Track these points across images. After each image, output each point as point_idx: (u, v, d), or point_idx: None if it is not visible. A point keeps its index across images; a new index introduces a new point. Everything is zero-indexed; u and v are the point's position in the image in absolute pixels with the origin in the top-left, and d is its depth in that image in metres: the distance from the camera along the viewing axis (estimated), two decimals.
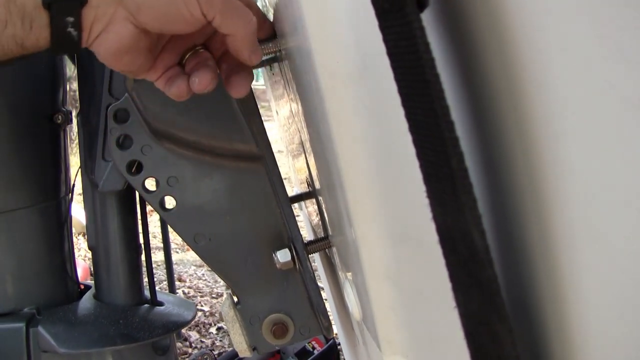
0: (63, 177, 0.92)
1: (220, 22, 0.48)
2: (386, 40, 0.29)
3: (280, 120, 1.07)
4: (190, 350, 2.15)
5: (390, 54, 0.29)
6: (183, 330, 2.13)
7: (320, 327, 0.74)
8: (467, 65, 0.31)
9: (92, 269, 0.92)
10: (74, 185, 0.96)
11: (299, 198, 0.81)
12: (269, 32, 0.58)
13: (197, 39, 0.53)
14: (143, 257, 0.90)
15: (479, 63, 0.29)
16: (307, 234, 1.19)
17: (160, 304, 0.89)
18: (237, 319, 0.72)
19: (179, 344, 2.13)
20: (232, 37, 0.49)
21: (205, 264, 0.82)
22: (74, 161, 0.94)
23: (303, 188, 0.94)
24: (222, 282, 2.54)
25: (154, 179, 0.69)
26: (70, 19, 0.43)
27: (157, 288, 0.91)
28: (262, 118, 0.71)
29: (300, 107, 0.59)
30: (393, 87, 0.29)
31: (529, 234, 0.29)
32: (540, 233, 0.28)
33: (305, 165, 0.74)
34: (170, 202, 0.69)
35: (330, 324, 0.75)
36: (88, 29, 0.45)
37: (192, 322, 1.40)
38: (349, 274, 0.55)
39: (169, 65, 0.52)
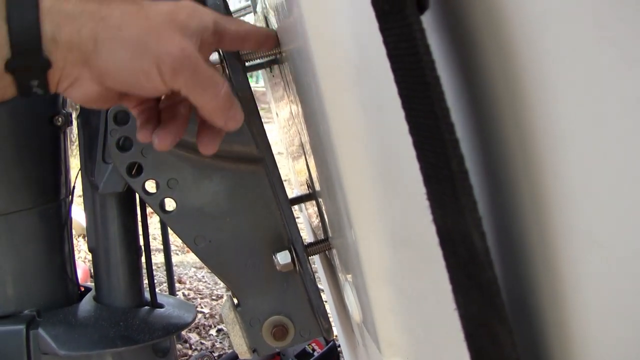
0: (63, 179, 0.92)
1: (187, 94, 0.46)
2: (386, 42, 0.29)
3: (280, 122, 1.07)
4: (190, 352, 2.15)
5: (391, 55, 0.29)
6: (183, 332, 2.13)
7: (320, 329, 0.74)
8: (467, 67, 0.31)
9: (92, 271, 0.92)
10: (74, 187, 0.96)
11: (299, 200, 0.81)
12: (273, 45, 0.57)
13: None
14: (143, 259, 0.90)
15: (479, 65, 0.30)
16: (307, 236, 1.19)
17: (161, 306, 0.89)
18: (237, 321, 0.72)
19: (179, 346, 2.13)
20: (201, 108, 0.48)
21: (205, 266, 0.82)
22: (74, 163, 0.94)
23: (303, 190, 0.94)
24: (222, 284, 2.53)
25: (154, 181, 0.69)
26: (35, 82, 0.43)
27: (157, 290, 0.91)
28: (262, 120, 0.71)
29: (300, 109, 0.59)
30: (393, 89, 0.29)
31: (529, 236, 0.29)
32: (540, 235, 0.28)
33: (306, 167, 0.74)
34: (170, 204, 0.69)
35: (330, 326, 0.75)
36: (54, 86, 0.45)
37: (192, 324, 1.40)
38: (349, 276, 0.55)
39: (143, 100, 0.51)
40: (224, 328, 2.13)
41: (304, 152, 0.71)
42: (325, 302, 0.81)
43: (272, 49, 0.57)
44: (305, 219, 1.12)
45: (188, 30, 0.46)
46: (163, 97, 0.52)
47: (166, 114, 0.51)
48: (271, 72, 0.87)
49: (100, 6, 0.44)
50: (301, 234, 0.71)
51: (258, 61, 0.72)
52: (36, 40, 0.41)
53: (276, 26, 0.63)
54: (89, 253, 0.89)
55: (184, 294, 2.59)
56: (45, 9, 0.42)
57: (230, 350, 2.00)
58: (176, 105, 0.52)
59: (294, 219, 0.70)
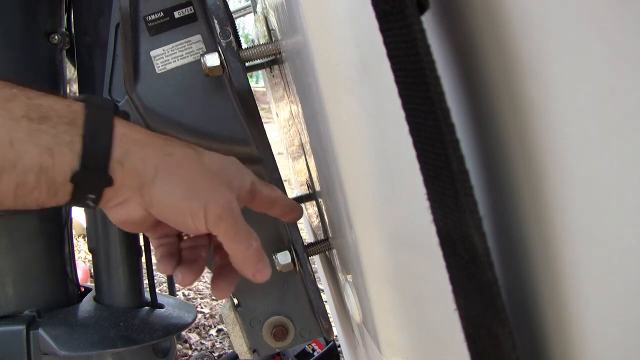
0: None
1: (224, 241, 0.50)
2: (386, 43, 0.29)
3: (281, 122, 1.07)
4: (190, 352, 2.15)
5: (391, 56, 0.29)
6: (183, 333, 2.13)
7: (320, 330, 0.74)
8: (468, 67, 0.31)
9: (92, 271, 0.92)
10: None
11: (299, 200, 0.81)
12: (297, 217, 0.61)
13: None
14: (143, 259, 0.90)
15: (480, 65, 0.29)
16: (307, 236, 1.19)
17: (161, 306, 0.89)
18: (237, 322, 0.72)
19: (179, 346, 2.13)
20: (233, 256, 0.51)
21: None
22: None
23: (303, 190, 0.94)
24: None
25: None
26: (92, 196, 0.46)
27: (157, 290, 0.91)
28: (262, 120, 0.71)
29: (300, 109, 0.59)
30: (393, 89, 0.29)
31: (529, 237, 0.29)
32: (541, 235, 0.27)
33: (306, 167, 0.74)
34: None
35: (330, 326, 0.75)
36: (105, 202, 0.47)
37: (192, 324, 1.40)
38: (349, 276, 0.55)
39: (167, 233, 0.55)
40: (224, 328, 2.13)
41: (304, 152, 0.71)
42: (325, 302, 0.81)
43: (295, 220, 0.61)
44: (305, 219, 1.12)
45: (232, 185, 0.51)
46: (185, 237, 0.57)
47: (188, 254, 0.55)
48: (271, 72, 0.87)
49: (165, 142, 0.49)
50: (301, 234, 0.71)
51: (258, 61, 0.72)
52: (105, 159, 0.45)
53: (276, 26, 0.63)
54: (89, 253, 0.89)
55: (184, 294, 2.59)
56: (119, 133, 0.46)
57: (230, 351, 2.00)
58: (198, 248, 0.55)
59: None
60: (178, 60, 0.65)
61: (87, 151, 0.44)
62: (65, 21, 0.85)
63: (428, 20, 0.28)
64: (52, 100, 0.44)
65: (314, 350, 1.59)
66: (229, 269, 0.54)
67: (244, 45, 0.70)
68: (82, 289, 0.94)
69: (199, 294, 2.61)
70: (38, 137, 0.42)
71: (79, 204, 0.46)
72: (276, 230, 0.70)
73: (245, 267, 0.52)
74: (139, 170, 0.46)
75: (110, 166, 0.45)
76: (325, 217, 0.66)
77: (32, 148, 0.42)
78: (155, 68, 0.65)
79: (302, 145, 0.71)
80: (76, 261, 0.95)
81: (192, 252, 0.55)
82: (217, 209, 0.48)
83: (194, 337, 2.24)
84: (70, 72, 0.96)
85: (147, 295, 0.90)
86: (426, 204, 0.29)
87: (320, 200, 0.68)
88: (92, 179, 0.45)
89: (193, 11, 0.65)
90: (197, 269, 0.54)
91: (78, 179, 0.44)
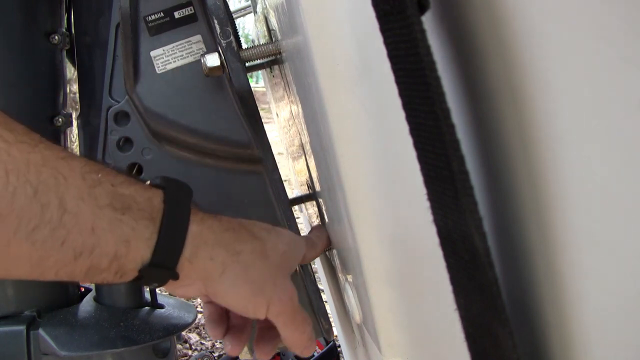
0: None
1: (279, 328, 0.53)
2: (387, 43, 0.29)
3: (281, 122, 1.07)
4: (190, 352, 2.15)
5: (391, 56, 0.29)
6: (183, 333, 2.13)
7: (320, 330, 0.74)
8: (469, 68, 0.31)
9: None
10: None
11: (299, 200, 0.81)
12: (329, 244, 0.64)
13: None
14: None
15: (480, 65, 0.29)
16: None
17: (161, 306, 0.89)
18: None
19: (179, 346, 2.13)
20: (285, 339, 0.54)
21: None
22: None
23: (303, 190, 0.94)
24: None
25: None
26: (156, 284, 0.48)
27: (157, 290, 0.91)
28: (262, 120, 0.71)
29: (300, 109, 0.59)
30: (394, 89, 0.29)
31: (530, 237, 0.29)
32: (541, 235, 0.27)
33: (306, 167, 0.74)
34: None
35: (330, 326, 0.75)
36: (166, 286, 0.49)
37: (193, 324, 1.40)
38: (349, 277, 0.55)
39: None
40: None
41: (304, 152, 0.71)
42: (325, 302, 0.81)
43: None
44: (305, 219, 1.12)
45: (292, 269, 0.54)
46: None
47: (236, 319, 0.58)
48: (271, 72, 0.87)
49: (235, 238, 0.50)
50: (301, 235, 0.71)
51: (258, 61, 0.72)
52: (175, 259, 0.47)
53: (276, 26, 0.63)
54: None
55: None
56: (192, 232, 0.47)
57: None
58: None
59: (294, 219, 0.70)
60: (178, 60, 0.65)
61: (159, 249, 0.46)
62: (65, 21, 0.85)
63: (428, 21, 0.28)
64: (134, 190, 0.46)
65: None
66: (273, 333, 0.56)
67: (244, 46, 0.70)
68: (82, 289, 0.94)
69: None
70: (119, 227, 0.44)
71: (142, 286, 0.48)
72: None
73: (293, 348, 0.55)
74: (206, 268, 0.48)
75: (179, 264, 0.47)
76: (326, 217, 0.66)
77: (111, 237, 0.43)
78: (156, 68, 0.65)
79: (302, 145, 0.71)
80: None
81: (240, 317, 0.57)
82: (279, 305, 0.51)
83: (194, 337, 2.24)
84: (70, 72, 0.96)
85: (147, 295, 0.90)
86: (426, 204, 0.29)
87: (320, 200, 0.68)
88: (159, 274, 0.47)
89: (193, 11, 0.65)
90: (245, 338, 0.57)
91: (146, 272, 0.46)
